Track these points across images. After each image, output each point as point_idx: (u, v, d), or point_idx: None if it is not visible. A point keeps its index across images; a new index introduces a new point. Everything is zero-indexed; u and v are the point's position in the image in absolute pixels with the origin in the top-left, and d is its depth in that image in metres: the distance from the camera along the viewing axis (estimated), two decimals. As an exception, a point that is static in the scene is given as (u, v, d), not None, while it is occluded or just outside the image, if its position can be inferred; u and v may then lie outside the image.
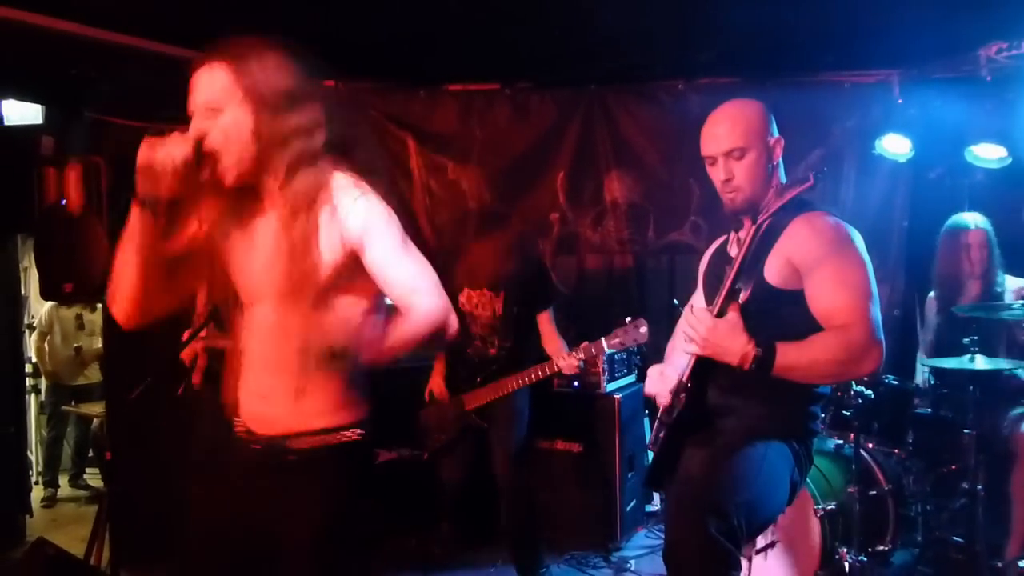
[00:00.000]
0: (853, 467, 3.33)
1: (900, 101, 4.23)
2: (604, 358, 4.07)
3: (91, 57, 3.64)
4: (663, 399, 2.38)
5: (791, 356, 2.01)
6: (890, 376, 3.60)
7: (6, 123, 4.40)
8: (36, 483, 5.74)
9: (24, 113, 4.45)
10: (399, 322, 1.71)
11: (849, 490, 3.30)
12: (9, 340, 4.73)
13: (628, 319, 3.23)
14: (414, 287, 1.73)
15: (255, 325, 1.80)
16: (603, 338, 3.26)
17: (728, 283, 2.14)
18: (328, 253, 1.70)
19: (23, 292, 5.56)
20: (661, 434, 2.36)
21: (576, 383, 4.19)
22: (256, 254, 1.77)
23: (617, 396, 4.13)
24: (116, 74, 3.89)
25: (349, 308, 1.76)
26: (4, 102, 4.33)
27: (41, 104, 4.38)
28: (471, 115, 4.71)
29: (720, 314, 2.12)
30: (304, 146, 1.71)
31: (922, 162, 4.23)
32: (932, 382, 3.75)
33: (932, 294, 4.03)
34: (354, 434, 1.79)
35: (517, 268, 3.59)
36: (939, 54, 4.07)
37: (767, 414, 2.19)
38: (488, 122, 4.70)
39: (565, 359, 3.38)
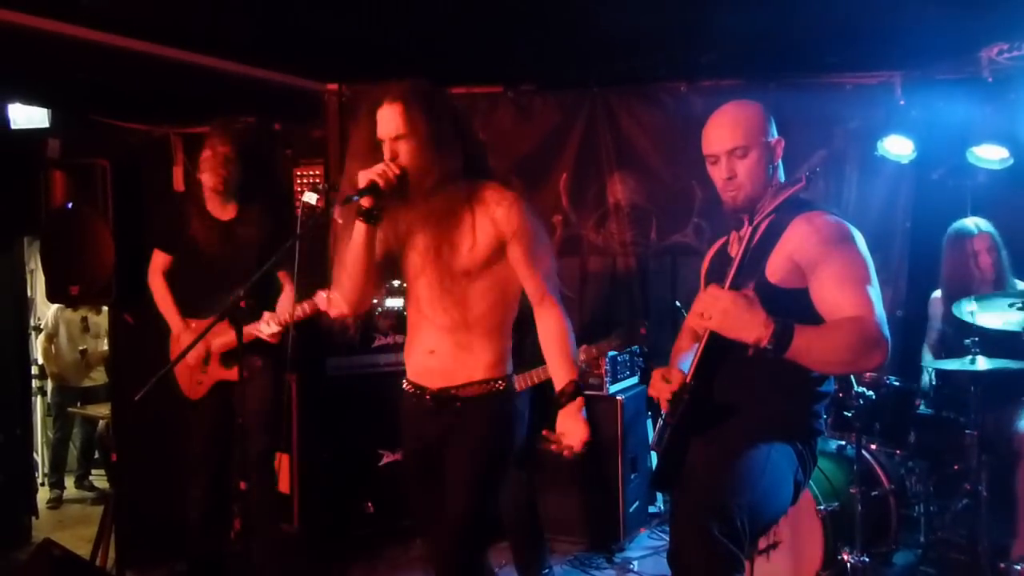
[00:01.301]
0: (855, 468, 3.34)
1: (902, 102, 4.23)
2: (607, 360, 4.08)
3: (97, 61, 3.66)
4: (665, 403, 2.39)
5: (809, 336, 1.98)
6: (892, 377, 3.61)
7: (13, 127, 4.44)
8: (42, 484, 5.76)
9: (31, 116, 4.48)
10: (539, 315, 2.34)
11: (851, 491, 3.31)
12: (16, 342, 4.76)
13: (627, 322, 3.24)
14: (544, 285, 2.30)
15: (423, 295, 2.29)
16: (603, 340, 3.28)
17: (729, 281, 2.15)
18: (482, 240, 2.22)
19: (29, 294, 5.59)
20: (665, 435, 2.37)
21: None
22: (423, 239, 2.24)
23: (620, 398, 4.14)
24: (121, 77, 3.92)
25: (498, 284, 2.28)
26: (11, 106, 4.37)
27: (47, 108, 4.41)
28: (474, 118, 4.71)
29: None
30: (455, 159, 2.20)
31: (924, 163, 4.23)
32: (934, 383, 3.75)
33: (936, 294, 4.03)
34: (503, 384, 2.33)
35: None
36: (941, 55, 4.08)
37: (771, 414, 2.20)
38: (491, 125, 4.71)
39: None
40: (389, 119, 2.17)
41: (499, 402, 2.31)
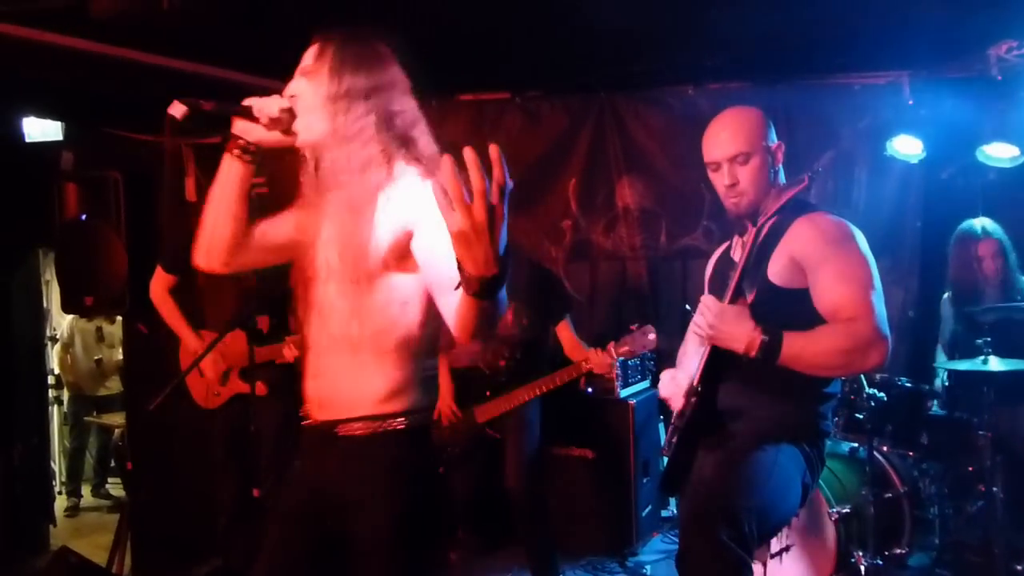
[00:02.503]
0: (867, 470, 3.33)
1: (911, 102, 4.21)
2: (617, 364, 4.08)
3: (109, 74, 3.71)
4: (676, 403, 2.40)
5: (797, 344, 2.03)
6: (903, 378, 3.59)
7: (27, 139, 4.49)
8: (59, 493, 5.82)
9: (45, 129, 4.53)
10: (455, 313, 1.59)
11: (863, 493, 3.29)
12: (32, 353, 4.82)
13: (635, 326, 3.24)
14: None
15: (315, 306, 1.81)
16: (611, 344, 3.28)
17: (733, 286, 2.16)
18: (384, 231, 1.69)
19: (45, 305, 5.65)
20: (674, 439, 2.38)
21: (590, 389, 4.21)
22: (321, 235, 1.80)
23: (631, 401, 4.14)
24: (132, 90, 3.96)
25: (405, 291, 1.73)
26: (25, 119, 4.42)
27: (61, 121, 4.47)
28: (483, 124, 4.75)
29: None
30: (371, 131, 1.75)
31: (934, 163, 4.21)
32: (947, 383, 3.73)
33: (947, 295, 4.01)
34: (402, 423, 1.73)
35: (526, 280, 3.61)
36: (949, 54, 4.06)
37: (777, 416, 2.20)
38: (499, 131, 4.73)
39: (598, 356, 3.36)
40: (305, 56, 1.82)
41: (394, 446, 1.73)
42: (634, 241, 4.72)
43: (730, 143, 2.22)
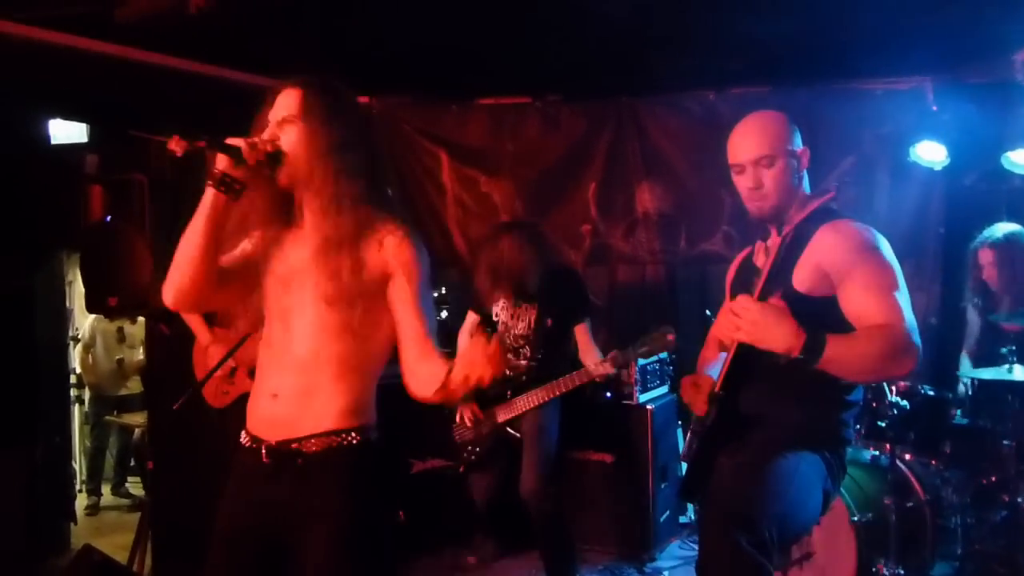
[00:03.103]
0: (889, 478, 3.30)
1: (934, 107, 4.18)
2: (636, 369, 4.08)
3: (134, 77, 3.75)
4: (697, 408, 2.39)
5: (840, 345, 2.00)
6: (926, 386, 3.56)
7: (53, 142, 4.54)
8: (80, 491, 5.87)
9: (70, 132, 4.59)
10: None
11: (885, 501, 3.27)
12: (55, 353, 4.87)
13: (655, 328, 3.25)
14: (424, 336, 1.88)
15: (275, 330, 1.91)
16: (631, 346, 3.29)
17: (757, 293, 2.15)
18: (363, 268, 1.84)
19: (68, 305, 5.71)
20: (694, 445, 2.37)
21: (609, 394, 4.21)
22: (290, 264, 1.90)
23: (650, 407, 4.13)
24: (157, 93, 4.00)
25: (376, 318, 1.88)
26: (51, 122, 4.47)
27: (86, 123, 4.52)
28: (502, 128, 4.76)
29: None
30: (351, 180, 1.86)
31: (957, 169, 4.17)
32: (971, 392, 3.69)
33: (971, 302, 3.98)
34: (355, 438, 1.84)
35: (550, 280, 3.62)
36: (973, 59, 4.03)
37: (799, 423, 2.19)
38: (519, 135, 4.75)
39: (598, 365, 3.40)
40: (282, 101, 1.89)
41: (349, 460, 1.83)
42: (653, 246, 4.71)
43: (755, 146, 2.21)
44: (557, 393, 3.49)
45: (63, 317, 5.27)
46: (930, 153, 4.12)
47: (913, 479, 3.45)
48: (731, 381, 2.24)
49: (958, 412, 3.64)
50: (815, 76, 4.27)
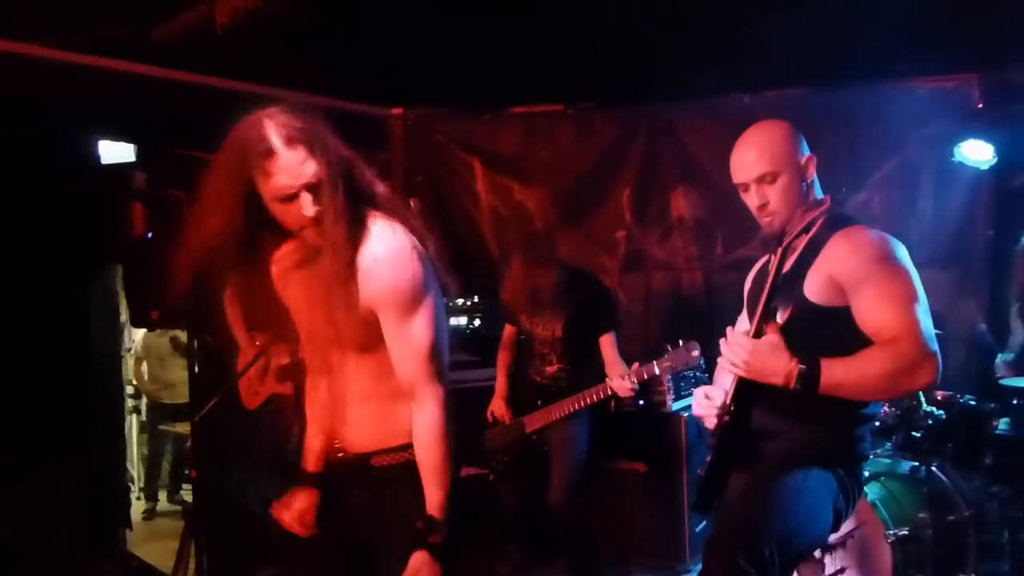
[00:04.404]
0: (925, 491, 3.18)
1: (980, 106, 4.03)
2: (670, 376, 4.02)
3: (170, 96, 3.89)
4: (709, 422, 2.35)
5: (838, 371, 1.95)
6: (968, 396, 3.42)
7: (103, 162, 4.72)
8: (138, 498, 6.07)
9: (121, 152, 4.77)
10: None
11: (921, 515, 3.15)
12: (109, 364, 5.05)
13: (680, 342, 3.19)
14: (413, 373, 1.87)
15: (320, 386, 2.00)
16: (655, 361, 3.24)
17: (762, 304, 2.11)
18: (368, 317, 1.83)
19: (123, 318, 5.92)
20: (708, 458, 2.33)
21: (641, 402, 4.16)
22: (307, 303, 1.90)
23: (683, 415, 4.08)
24: (197, 111, 4.13)
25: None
26: (101, 142, 4.65)
27: (131, 142, 4.69)
28: (535, 136, 4.78)
29: (757, 334, 2.10)
30: (347, 199, 1.80)
31: (1005, 169, 4.01)
32: (1014, 402, 3.54)
33: (1015, 307, 3.82)
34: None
35: (577, 290, 3.60)
36: (1021, 56, 3.88)
37: (810, 438, 2.14)
38: (552, 143, 4.75)
39: (618, 382, 3.36)
40: (263, 136, 1.78)
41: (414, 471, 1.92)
42: (689, 252, 4.65)
43: (755, 164, 2.17)
44: (583, 404, 3.47)
45: (116, 330, 5.46)
46: (976, 153, 3.97)
47: (955, 492, 3.31)
48: (741, 395, 2.20)
49: (1001, 422, 3.49)
50: (855, 76, 4.15)
